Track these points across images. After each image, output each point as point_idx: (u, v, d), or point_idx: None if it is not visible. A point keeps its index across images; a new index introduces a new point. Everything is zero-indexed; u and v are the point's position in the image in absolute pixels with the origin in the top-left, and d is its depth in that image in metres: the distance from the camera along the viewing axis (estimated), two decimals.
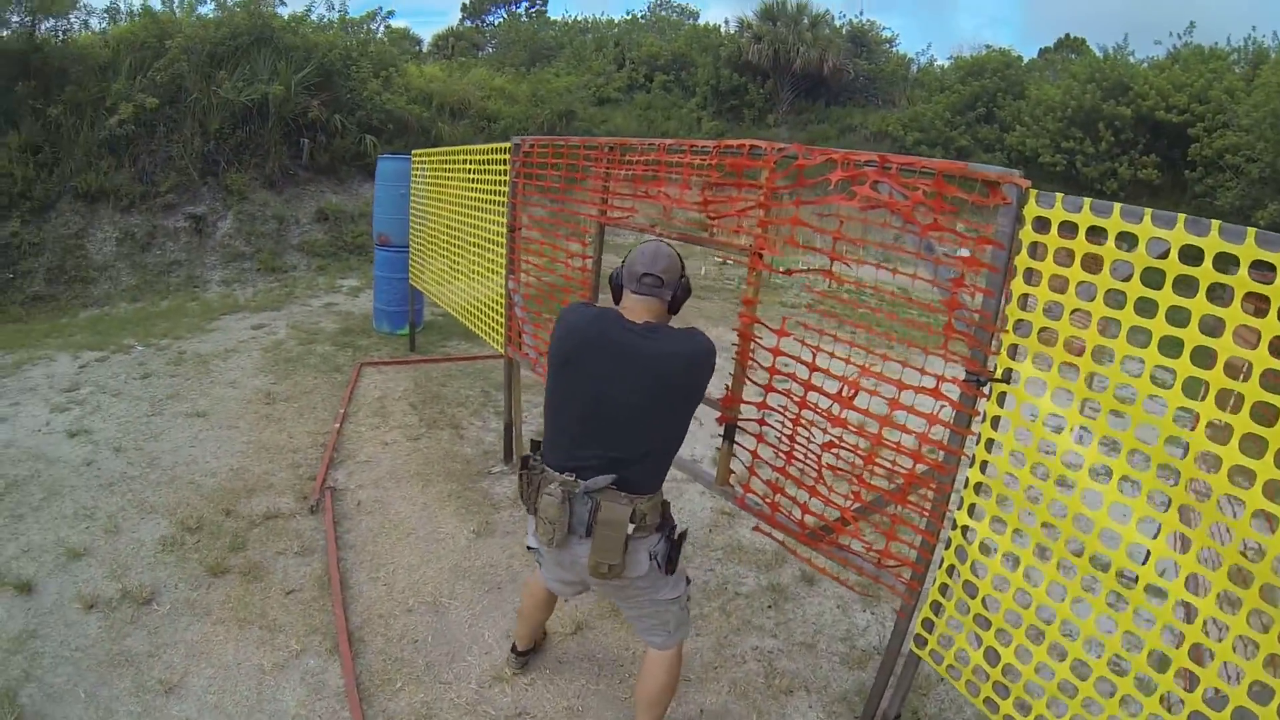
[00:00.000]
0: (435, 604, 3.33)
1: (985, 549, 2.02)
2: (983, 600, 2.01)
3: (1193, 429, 1.54)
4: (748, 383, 2.71)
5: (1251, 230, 1.44)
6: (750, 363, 2.68)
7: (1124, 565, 1.69)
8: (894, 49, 21.44)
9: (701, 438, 5.41)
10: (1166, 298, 1.56)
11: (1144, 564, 1.67)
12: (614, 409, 2.06)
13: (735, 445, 2.82)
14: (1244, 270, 1.44)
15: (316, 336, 7.18)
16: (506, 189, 4.12)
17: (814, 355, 2.43)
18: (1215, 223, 1.47)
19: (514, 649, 2.93)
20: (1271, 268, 1.41)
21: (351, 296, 8.93)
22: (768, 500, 2.66)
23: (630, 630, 3.18)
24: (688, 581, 2.41)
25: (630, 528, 2.03)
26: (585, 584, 2.34)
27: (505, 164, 4.11)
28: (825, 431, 2.40)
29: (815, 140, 17.10)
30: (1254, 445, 1.47)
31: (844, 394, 2.33)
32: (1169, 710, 1.69)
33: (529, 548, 2.38)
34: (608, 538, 2.03)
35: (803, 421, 2.50)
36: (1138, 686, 1.72)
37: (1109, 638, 1.75)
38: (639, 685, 2.44)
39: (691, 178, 2.72)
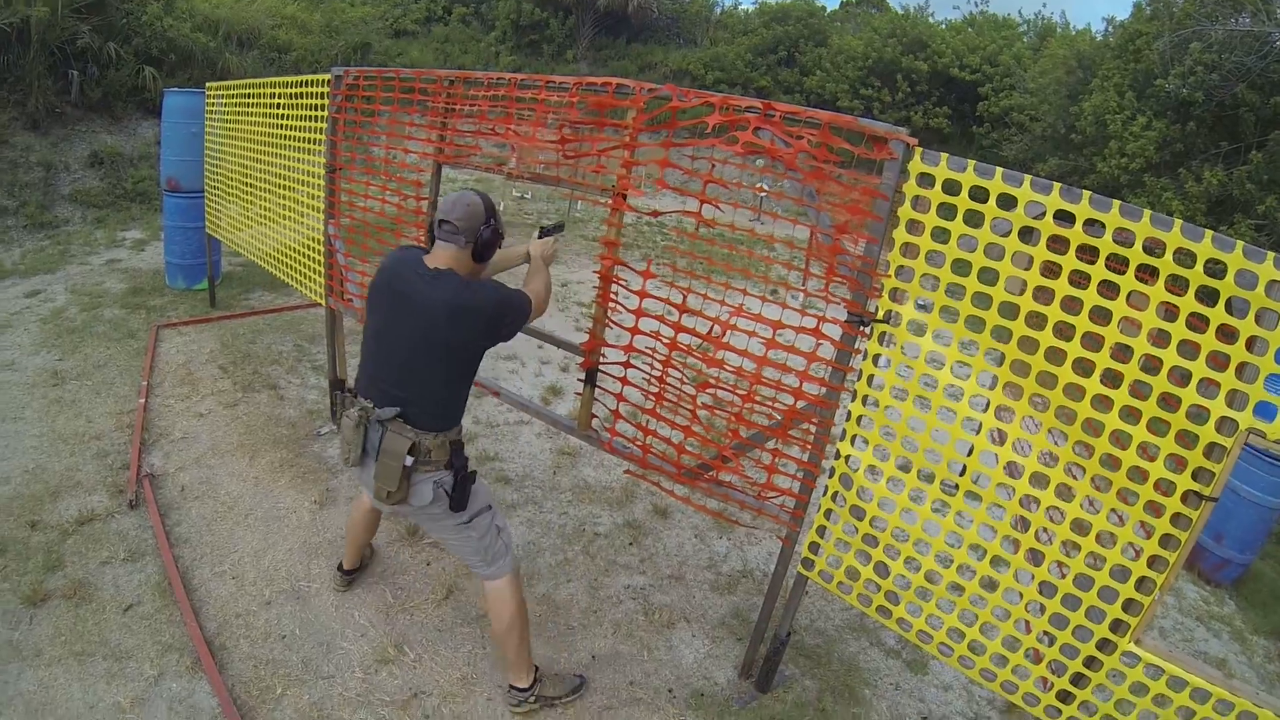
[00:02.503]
0: (294, 591, 3.06)
1: (870, 475, 2.19)
2: (870, 521, 2.19)
3: (1060, 365, 1.75)
4: (612, 326, 2.69)
5: (1116, 202, 1.63)
6: (614, 306, 2.65)
7: (1001, 481, 1.91)
8: None
9: (527, 377, 5.46)
10: (1040, 253, 1.74)
11: (1019, 479, 1.91)
12: (392, 349, 2.18)
13: (598, 389, 2.82)
14: (1109, 234, 1.63)
15: (102, 300, 6.15)
16: (325, 125, 3.72)
17: (684, 297, 2.45)
18: (1086, 193, 1.67)
19: (340, 567, 3.04)
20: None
21: (136, 251, 7.72)
22: (638, 443, 2.68)
23: None
24: (490, 508, 2.43)
25: (409, 460, 2.14)
26: (424, 515, 2.41)
27: (323, 98, 3.69)
28: (700, 372, 2.44)
29: (615, 76, 17.35)
30: (1111, 378, 1.71)
31: (713, 334, 2.39)
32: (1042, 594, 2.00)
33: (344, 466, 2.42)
34: (387, 466, 2.15)
35: (674, 363, 2.54)
36: (1016, 578, 2.04)
37: (988, 543, 1.99)
38: (491, 623, 2.53)
39: (547, 115, 2.58)
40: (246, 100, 4.78)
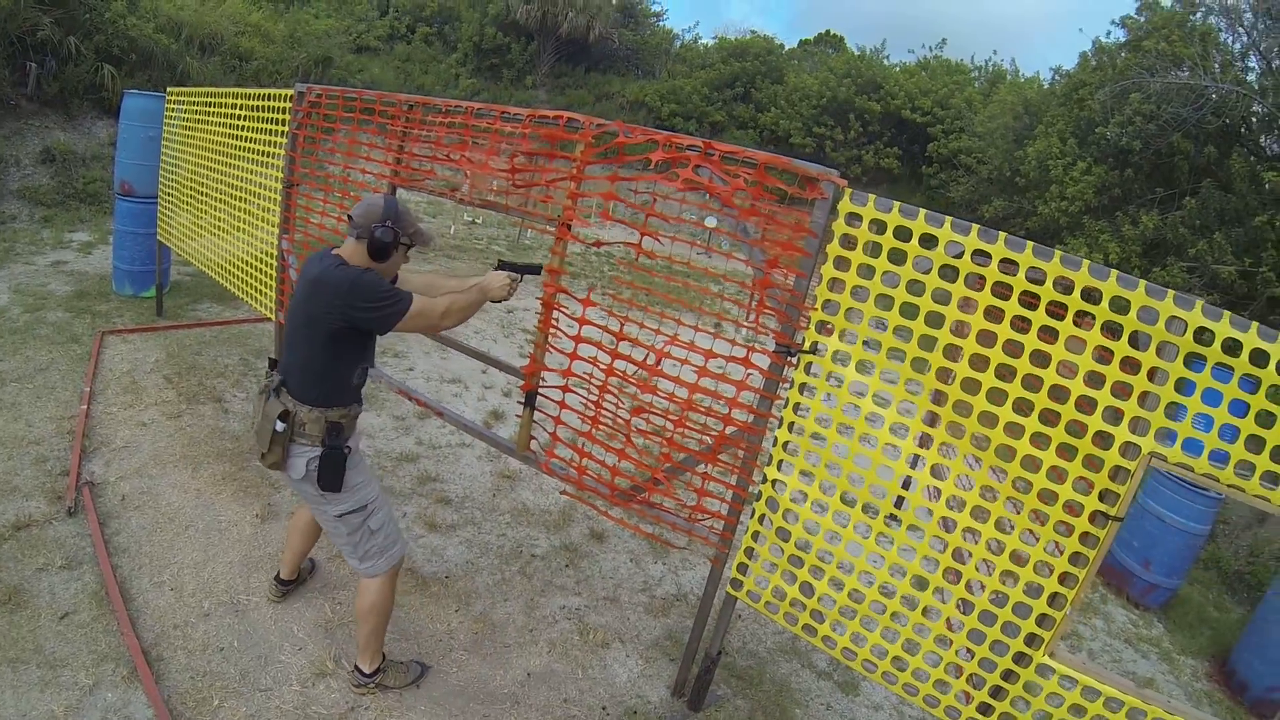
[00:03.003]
0: (233, 603, 3.03)
1: (796, 498, 2.29)
2: (795, 543, 2.28)
3: (976, 395, 1.88)
4: (552, 351, 2.76)
5: (1030, 243, 1.79)
6: (554, 332, 2.73)
7: (920, 504, 2.02)
8: (661, 23, 22.06)
9: (470, 401, 5.47)
10: (959, 290, 1.87)
11: (937, 501, 2.02)
12: (290, 320, 2.41)
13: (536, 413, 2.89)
14: (1022, 272, 1.77)
15: (46, 302, 6.00)
16: (284, 140, 3.73)
17: (621, 325, 2.55)
18: (1001, 234, 1.82)
19: (277, 576, 3.08)
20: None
21: (83, 254, 7.54)
22: (574, 465, 2.75)
23: (441, 602, 3.25)
24: (364, 509, 2.51)
25: (279, 426, 2.32)
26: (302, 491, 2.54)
27: (285, 113, 3.71)
28: (635, 398, 2.52)
29: (572, 105, 17.43)
30: (1023, 407, 1.84)
31: (648, 361, 2.48)
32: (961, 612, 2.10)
33: None
34: (262, 427, 2.37)
35: (610, 388, 2.62)
36: (936, 596, 2.15)
37: (909, 563, 2.10)
38: (355, 603, 2.65)
39: (500, 144, 2.66)
40: (207, 108, 4.76)
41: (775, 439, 2.30)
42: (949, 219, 1.95)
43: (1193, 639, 4.68)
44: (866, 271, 2.04)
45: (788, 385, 2.23)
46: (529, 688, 2.89)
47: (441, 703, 2.74)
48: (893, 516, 2.18)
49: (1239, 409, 1.91)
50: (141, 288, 6.37)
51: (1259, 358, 1.80)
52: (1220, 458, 1.88)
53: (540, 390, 2.79)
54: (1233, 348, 1.84)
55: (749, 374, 2.26)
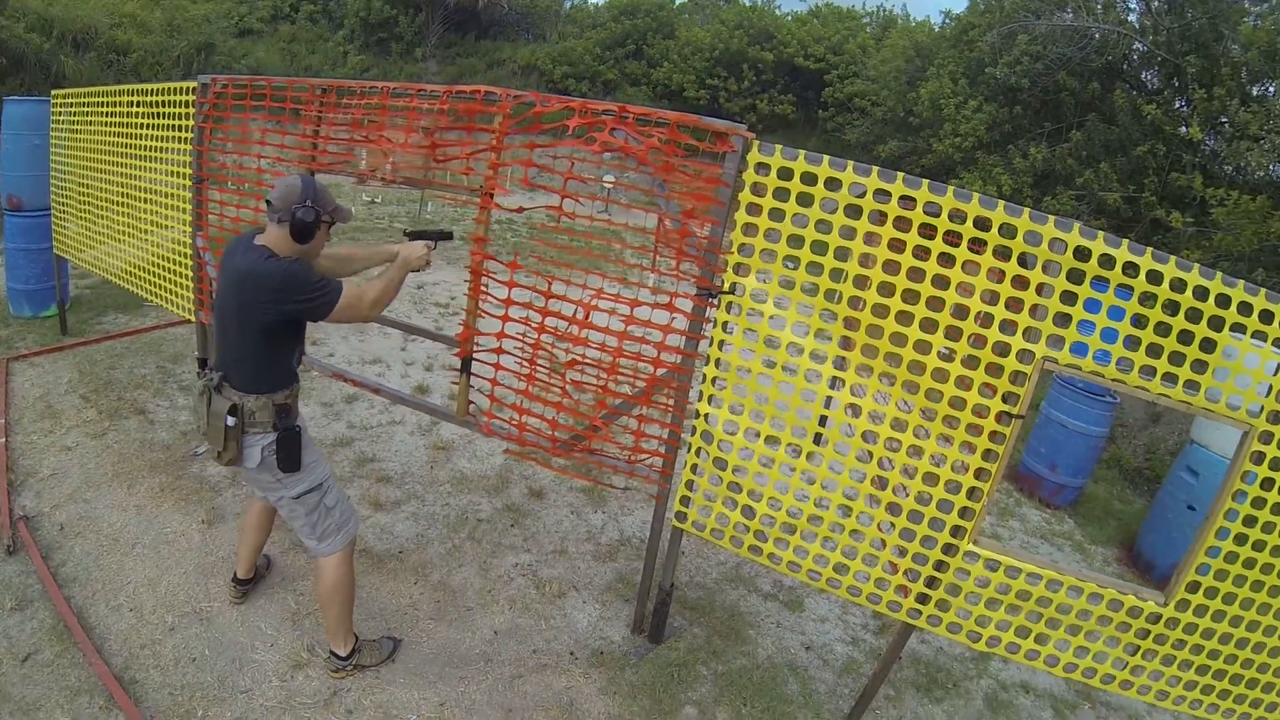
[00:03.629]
0: (196, 613, 3.01)
1: (729, 429, 2.47)
2: (733, 470, 2.48)
3: (885, 318, 2.09)
4: (484, 316, 2.85)
5: (925, 181, 2.04)
6: (484, 297, 2.82)
7: (845, 420, 2.23)
8: None
9: (394, 379, 5.48)
10: (863, 226, 2.06)
11: (859, 418, 2.22)
12: (219, 315, 2.40)
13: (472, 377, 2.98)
14: (920, 206, 1.98)
15: None
16: (190, 135, 3.64)
17: (549, 284, 2.66)
18: (900, 174, 2.04)
19: (234, 578, 3.07)
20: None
21: None
22: (514, 423, 2.87)
23: (399, 577, 3.31)
24: (320, 487, 2.56)
25: (230, 420, 2.33)
26: (258, 481, 2.57)
27: (189, 106, 3.61)
28: (568, 351, 2.65)
29: (463, 74, 17.19)
30: (930, 326, 2.07)
31: (576, 315, 2.61)
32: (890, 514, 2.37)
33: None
34: (213, 426, 2.37)
35: (543, 345, 2.75)
36: (868, 503, 2.39)
37: (839, 477, 2.37)
38: (315, 588, 2.71)
39: (419, 121, 2.70)
40: (100, 109, 4.54)
41: (704, 376, 2.48)
42: (851, 163, 2.14)
43: (1101, 530, 5.16)
44: (777, 215, 2.21)
45: (711, 325, 2.40)
46: (498, 644, 3.01)
47: (419, 672, 2.83)
48: (819, 436, 2.38)
49: (1117, 315, 2.18)
50: (41, 307, 6.04)
51: (1131, 269, 2.07)
52: (1103, 357, 2.16)
53: (475, 356, 2.87)
54: (1107, 263, 2.10)
55: (673, 318, 2.41)
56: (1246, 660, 2.44)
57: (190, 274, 3.96)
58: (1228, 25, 8.16)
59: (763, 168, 2.23)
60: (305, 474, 2.51)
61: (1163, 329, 2.13)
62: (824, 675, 3.16)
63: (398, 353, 6.04)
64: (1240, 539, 2.29)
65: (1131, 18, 9.50)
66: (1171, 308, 2.13)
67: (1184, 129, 7.99)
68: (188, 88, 3.63)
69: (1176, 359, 2.15)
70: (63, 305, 5.91)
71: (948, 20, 13.18)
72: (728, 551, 3.84)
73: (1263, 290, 2.08)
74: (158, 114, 3.89)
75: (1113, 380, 2.19)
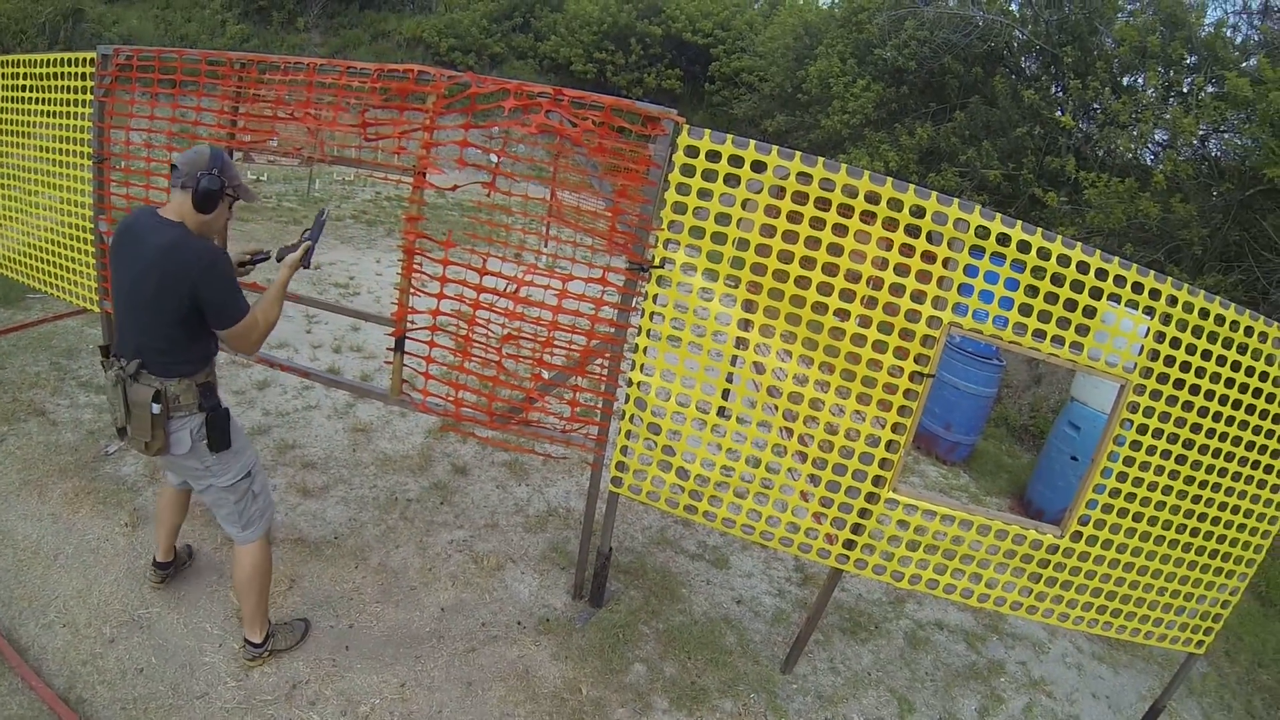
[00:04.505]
0: (135, 621, 2.88)
1: (661, 395, 2.63)
2: (666, 434, 2.66)
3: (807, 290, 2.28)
4: (421, 295, 2.88)
5: (844, 165, 2.32)
6: (422, 276, 2.85)
7: (771, 385, 2.41)
8: None
9: (301, 362, 5.29)
10: (786, 205, 2.25)
11: (784, 380, 2.42)
12: (129, 296, 2.26)
13: (406, 355, 3.00)
14: (838, 189, 2.21)
15: None
16: (88, 111, 3.42)
17: (484, 261, 2.72)
18: (820, 159, 2.26)
19: (154, 560, 3.00)
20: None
21: None
22: (450, 399, 2.93)
23: (337, 563, 3.30)
24: (249, 475, 2.55)
25: (155, 408, 2.25)
26: (185, 468, 2.51)
27: (86, 79, 3.40)
28: (503, 326, 2.75)
29: (347, 46, 16.62)
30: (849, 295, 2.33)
31: (507, 290, 2.69)
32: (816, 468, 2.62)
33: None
34: (137, 416, 2.27)
35: (479, 321, 2.82)
36: (796, 459, 2.61)
37: (768, 435, 2.54)
38: (233, 576, 2.70)
39: (349, 100, 2.68)
40: None
41: (637, 347, 2.63)
42: (775, 148, 2.33)
43: (994, 483, 5.65)
44: (705, 195, 2.37)
45: (642, 298, 2.55)
46: (446, 621, 3.08)
47: (374, 655, 2.86)
48: (750, 400, 2.57)
49: (1012, 285, 2.49)
50: None
51: (1024, 246, 2.39)
52: (1001, 323, 2.47)
53: (408, 335, 2.91)
54: (1004, 240, 2.41)
55: (604, 291, 2.53)
56: (1133, 582, 2.84)
57: (92, 260, 3.75)
58: (1102, 20, 8.87)
59: (691, 150, 2.38)
60: (233, 459, 2.47)
61: (1051, 298, 2.45)
62: (757, 626, 3.38)
63: (303, 335, 5.90)
64: (1121, 477, 2.66)
65: (1013, 7, 10.16)
66: (1057, 280, 2.44)
67: (1060, 113, 8.66)
68: (85, 58, 3.40)
69: (1063, 324, 2.47)
70: None
71: (837, 2, 13.62)
72: (653, 517, 4.06)
73: (1134, 265, 2.43)
74: (48, 87, 3.63)
75: (1009, 342, 2.49)
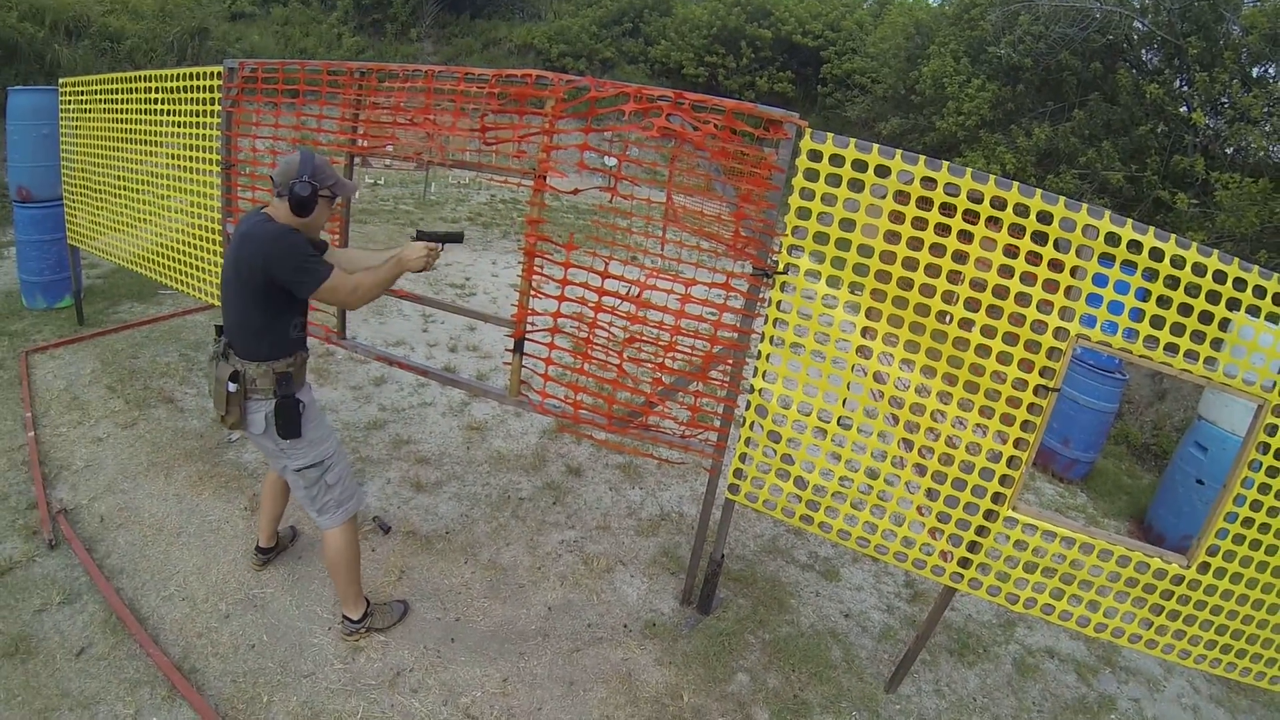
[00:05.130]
0: (249, 599, 3.03)
1: (783, 403, 2.57)
2: (786, 442, 2.58)
3: (931, 298, 2.18)
4: (541, 297, 2.91)
5: (969, 170, 2.18)
6: (544, 278, 2.88)
7: (893, 395, 2.32)
8: None
9: (416, 361, 5.50)
10: (910, 211, 2.18)
11: (905, 391, 2.32)
12: (224, 283, 2.51)
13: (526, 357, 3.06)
14: (964, 193, 2.10)
15: None
16: (217, 120, 3.65)
17: (606, 265, 2.73)
18: (945, 163, 2.16)
19: (257, 545, 3.18)
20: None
21: None
22: (569, 401, 2.94)
23: (448, 557, 3.39)
24: (321, 464, 2.64)
25: (232, 386, 2.44)
26: (264, 447, 2.69)
27: (214, 91, 3.63)
28: (625, 330, 2.74)
29: (460, 54, 17.11)
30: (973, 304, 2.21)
31: (629, 294, 2.69)
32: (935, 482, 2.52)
33: None
34: (216, 391, 2.49)
35: (600, 324, 2.81)
36: (915, 472, 2.51)
37: (889, 447, 2.45)
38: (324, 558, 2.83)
39: (467, 105, 2.74)
40: (114, 95, 4.52)
41: (759, 352, 2.58)
42: (899, 151, 2.25)
43: (1112, 504, 5.29)
44: (829, 200, 2.31)
45: (765, 304, 2.49)
46: (553, 620, 3.11)
47: (479, 649, 2.91)
48: (871, 410, 2.48)
49: (1141, 295, 2.32)
50: (55, 298, 6.03)
51: (1156, 254, 2.22)
52: (1130, 336, 2.31)
53: (528, 336, 2.95)
54: (1135, 248, 2.24)
55: (728, 297, 2.49)
56: (1262, 620, 2.58)
57: (219, 260, 3.99)
58: (1228, 6, 8.22)
59: (814, 154, 2.33)
60: (308, 448, 2.60)
61: (1184, 309, 2.28)
62: (863, 641, 3.27)
63: (419, 334, 6.08)
64: (1256, 505, 2.43)
65: None
66: (1192, 290, 2.26)
67: (1185, 109, 8.08)
68: (213, 72, 3.64)
69: (1197, 337, 2.29)
70: (79, 296, 5.91)
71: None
72: (765, 525, 3.99)
73: (1276, 274, 2.22)
74: (180, 99, 3.90)
75: (1139, 356, 2.32)
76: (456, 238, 2.71)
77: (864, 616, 3.44)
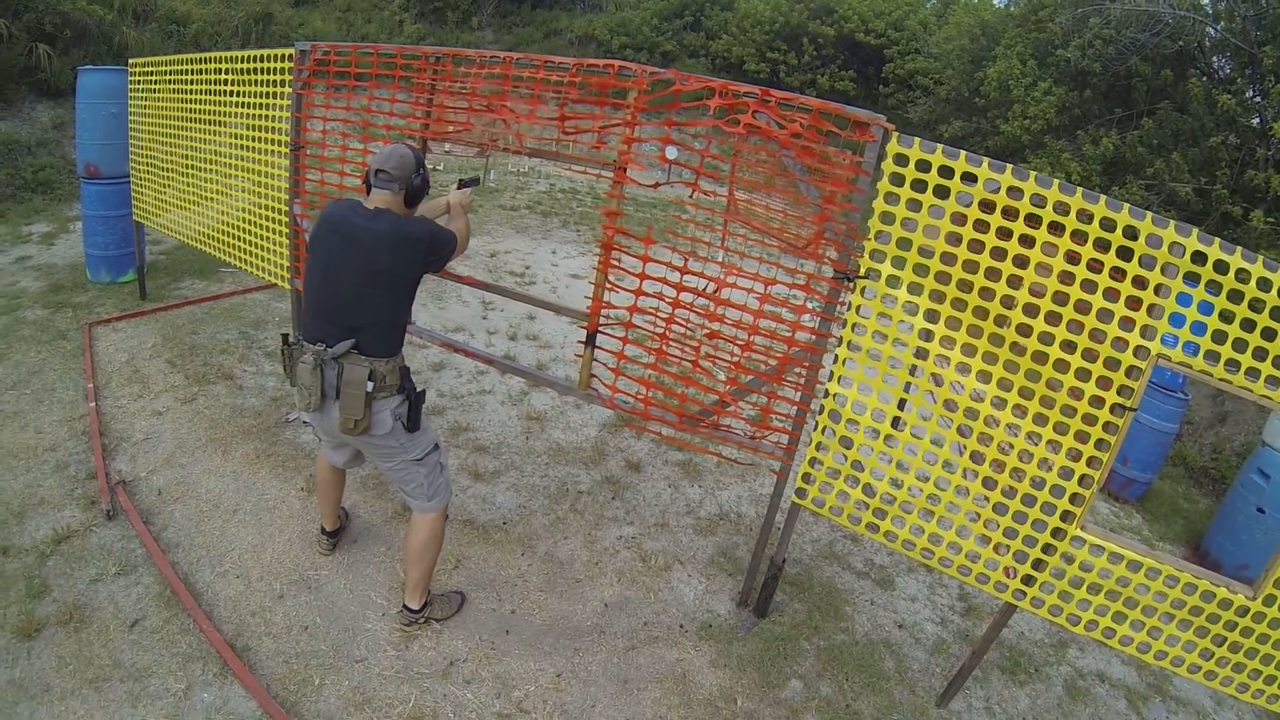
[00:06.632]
0: (304, 581, 3.03)
1: (857, 410, 2.53)
2: (858, 450, 2.56)
3: (1011, 310, 2.13)
4: (618, 291, 2.88)
5: (1056, 180, 2.12)
6: (617, 270, 2.86)
7: (969, 406, 2.27)
8: None
9: (478, 348, 5.48)
10: (996, 220, 2.13)
11: (980, 403, 2.27)
12: (342, 283, 2.38)
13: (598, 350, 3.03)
14: (1050, 204, 2.08)
15: (20, 300, 5.72)
16: (286, 102, 3.68)
17: (685, 261, 2.71)
18: (1032, 172, 2.11)
19: (322, 529, 3.19)
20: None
21: (46, 245, 7.21)
22: (640, 397, 2.92)
23: (504, 548, 3.37)
24: (436, 447, 2.70)
25: (370, 386, 2.37)
26: (345, 444, 2.70)
27: (284, 73, 3.67)
28: (703, 328, 2.72)
29: (519, 44, 17.16)
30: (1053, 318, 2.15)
31: (706, 290, 2.66)
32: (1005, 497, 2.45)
33: (304, 423, 2.53)
34: (351, 395, 2.36)
35: (677, 319, 2.79)
36: (983, 486, 2.45)
37: (960, 459, 2.37)
38: (405, 542, 2.77)
39: (546, 94, 2.74)
40: (184, 76, 4.60)
41: (836, 356, 2.54)
42: (986, 159, 2.18)
43: (1169, 527, 5.13)
44: (914, 205, 2.26)
45: (845, 308, 2.45)
46: (609, 617, 3.10)
47: (533, 643, 2.91)
48: (944, 418, 2.43)
49: (1226, 317, 2.23)
50: (119, 272, 6.19)
51: (1243, 275, 2.15)
52: (1212, 357, 2.24)
53: (600, 328, 2.95)
54: (1221, 268, 2.16)
55: (807, 298, 2.45)
56: None
57: (285, 241, 4.03)
58: None
59: (901, 159, 2.28)
60: (423, 435, 2.62)
61: (1268, 333, 2.20)
62: (917, 654, 3.23)
63: (479, 321, 6.11)
64: None
65: (1204, 1, 9.21)
66: (1277, 314, 2.19)
67: (1258, 120, 7.76)
68: (284, 54, 3.66)
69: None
70: (142, 271, 6.05)
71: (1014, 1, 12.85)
72: (823, 529, 3.96)
73: None
74: (250, 80, 3.95)
75: (1219, 380, 2.25)
76: (476, 182, 3.02)
77: (918, 628, 3.39)
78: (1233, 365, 2.23)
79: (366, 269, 2.35)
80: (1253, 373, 2.21)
